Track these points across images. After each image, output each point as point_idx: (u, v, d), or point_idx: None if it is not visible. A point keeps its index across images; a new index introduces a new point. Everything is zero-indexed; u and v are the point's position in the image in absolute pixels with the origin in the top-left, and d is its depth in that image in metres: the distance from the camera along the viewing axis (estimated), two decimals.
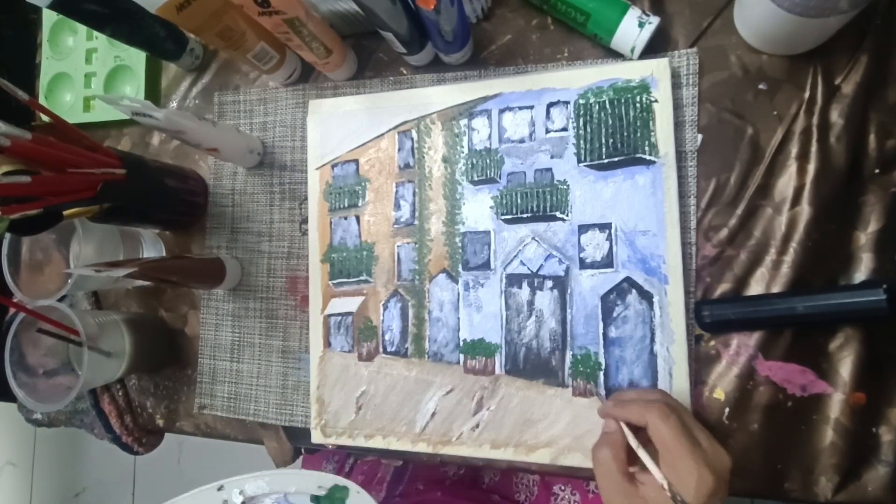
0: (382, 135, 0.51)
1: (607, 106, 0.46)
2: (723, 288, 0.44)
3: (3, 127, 0.37)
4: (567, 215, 0.46)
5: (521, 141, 0.48)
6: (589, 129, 0.46)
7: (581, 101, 0.46)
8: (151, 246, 0.58)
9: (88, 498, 1.55)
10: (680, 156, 0.45)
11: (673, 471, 0.34)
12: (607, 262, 0.45)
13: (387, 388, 0.50)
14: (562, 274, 0.46)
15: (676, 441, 0.34)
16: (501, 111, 0.48)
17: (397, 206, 0.51)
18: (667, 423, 0.35)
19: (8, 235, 0.52)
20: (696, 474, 0.33)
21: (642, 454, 0.37)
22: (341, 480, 0.45)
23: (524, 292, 0.47)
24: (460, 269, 0.49)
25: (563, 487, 0.60)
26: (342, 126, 0.52)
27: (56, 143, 0.41)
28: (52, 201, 0.40)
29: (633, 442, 0.37)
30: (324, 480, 0.45)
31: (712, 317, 0.43)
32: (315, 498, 0.46)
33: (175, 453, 1.45)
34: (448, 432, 0.48)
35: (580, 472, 0.45)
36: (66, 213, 0.41)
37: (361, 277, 0.51)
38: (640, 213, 0.44)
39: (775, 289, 0.42)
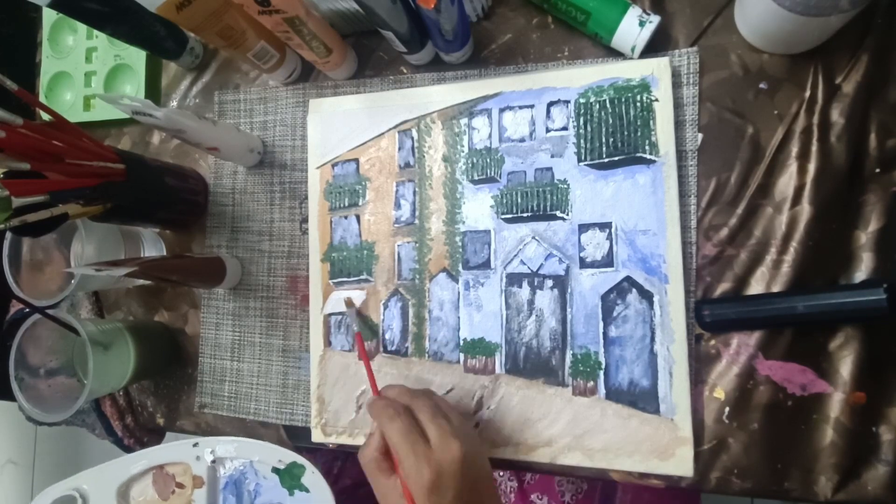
0: (383, 134, 0.51)
1: (608, 105, 0.46)
2: (723, 287, 0.44)
3: None
4: (567, 214, 0.46)
5: (522, 140, 0.48)
6: (589, 129, 0.46)
7: (581, 101, 0.46)
8: (152, 245, 0.58)
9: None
10: (680, 155, 0.44)
11: (402, 468, 0.37)
12: (607, 261, 0.45)
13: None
14: (562, 273, 0.46)
15: (399, 442, 0.37)
16: (502, 110, 0.48)
17: (397, 206, 0.51)
18: (391, 425, 0.38)
19: (9, 235, 0.52)
20: (415, 470, 0.36)
21: (392, 453, 0.39)
22: (300, 459, 0.48)
23: (524, 291, 0.47)
24: (460, 268, 0.49)
25: (540, 497, 0.60)
26: (342, 125, 0.52)
27: (52, 132, 0.41)
28: (54, 185, 0.40)
29: (376, 434, 0.39)
30: (285, 456, 0.49)
31: (712, 316, 0.43)
32: (276, 470, 0.49)
33: None
34: None
35: (580, 472, 0.45)
36: (70, 213, 0.41)
37: (362, 276, 0.51)
38: (641, 213, 0.44)
39: (776, 288, 0.42)
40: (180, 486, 0.52)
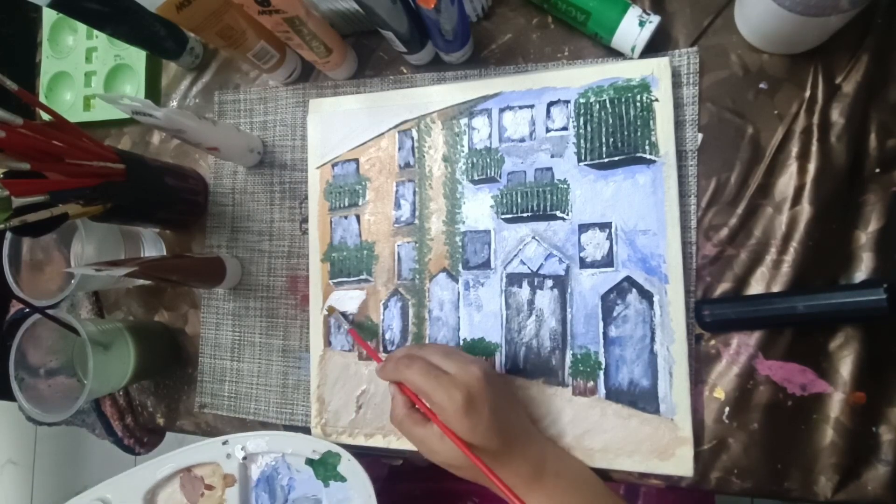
0: (383, 134, 0.51)
1: (608, 105, 0.46)
2: (723, 287, 0.44)
3: None
4: (567, 214, 0.46)
5: (522, 140, 0.48)
6: (589, 129, 0.46)
7: (581, 101, 0.46)
8: (152, 245, 0.58)
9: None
10: (680, 155, 0.44)
11: (433, 405, 0.39)
12: (607, 261, 0.45)
13: (387, 388, 0.50)
14: (562, 273, 0.46)
15: (423, 381, 0.38)
16: (502, 110, 0.48)
17: (397, 206, 0.51)
18: (410, 371, 0.39)
19: (9, 235, 0.52)
20: (446, 398, 0.37)
21: (415, 401, 0.41)
22: (334, 447, 0.48)
23: (524, 291, 0.47)
24: (460, 268, 0.49)
25: None
26: (342, 125, 0.52)
27: (52, 132, 0.41)
28: (54, 185, 0.40)
29: (397, 392, 0.42)
30: (318, 445, 0.48)
31: (713, 316, 0.43)
32: (310, 461, 0.48)
33: None
34: None
35: None
36: (70, 213, 0.41)
37: (362, 276, 0.51)
38: (641, 213, 0.44)
39: (776, 288, 0.42)
40: (209, 487, 0.50)
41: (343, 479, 0.47)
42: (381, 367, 0.43)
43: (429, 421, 0.39)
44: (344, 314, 0.51)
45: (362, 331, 0.50)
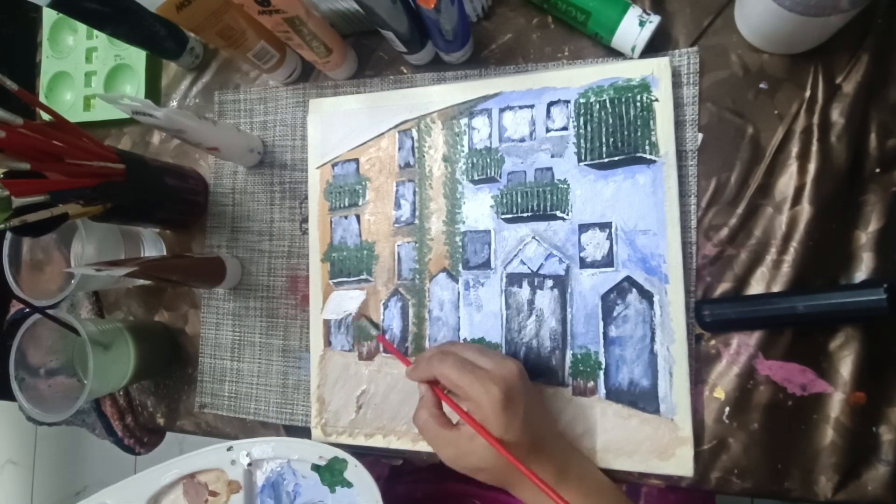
0: (383, 134, 0.51)
1: (608, 105, 0.46)
2: (723, 287, 0.44)
3: None
4: (567, 214, 0.46)
5: (522, 140, 0.48)
6: (589, 129, 0.46)
7: (581, 101, 0.46)
8: (152, 245, 0.58)
9: (89, 496, 1.56)
10: (680, 155, 0.44)
11: (468, 401, 0.37)
12: (608, 261, 0.45)
13: (387, 388, 0.50)
14: (562, 273, 0.46)
15: (458, 375, 0.37)
16: (502, 110, 0.48)
17: (398, 206, 0.51)
18: (445, 365, 0.38)
19: (9, 235, 0.52)
20: (483, 392, 0.36)
21: (445, 400, 0.40)
22: (341, 453, 0.47)
23: (524, 291, 0.47)
24: (460, 268, 0.49)
25: None
26: (342, 125, 0.52)
27: (52, 132, 0.41)
28: (54, 185, 0.40)
29: (427, 392, 0.41)
30: (325, 451, 0.47)
31: (713, 316, 0.43)
32: (316, 467, 0.48)
33: (176, 452, 1.44)
34: None
35: None
36: (70, 213, 0.41)
37: (362, 276, 0.51)
38: (641, 213, 0.44)
39: (776, 288, 0.42)
40: (214, 494, 0.50)
41: (349, 485, 0.47)
42: (411, 368, 0.41)
43: (457, 423, 0.38)
44: (373, 321, 0.50)
45: (361, 331, 0.50)
